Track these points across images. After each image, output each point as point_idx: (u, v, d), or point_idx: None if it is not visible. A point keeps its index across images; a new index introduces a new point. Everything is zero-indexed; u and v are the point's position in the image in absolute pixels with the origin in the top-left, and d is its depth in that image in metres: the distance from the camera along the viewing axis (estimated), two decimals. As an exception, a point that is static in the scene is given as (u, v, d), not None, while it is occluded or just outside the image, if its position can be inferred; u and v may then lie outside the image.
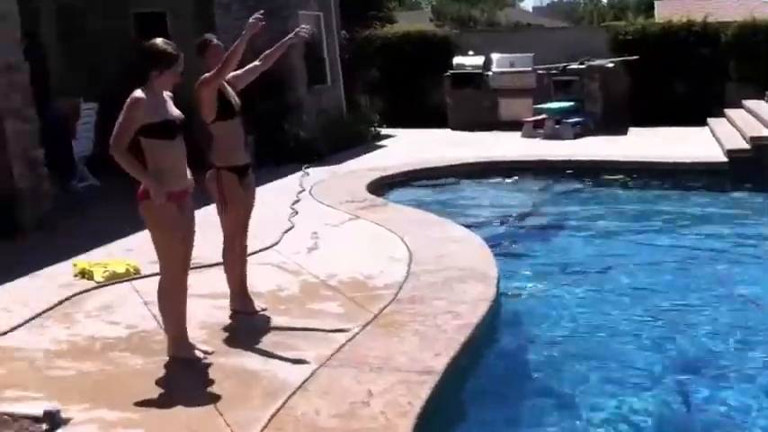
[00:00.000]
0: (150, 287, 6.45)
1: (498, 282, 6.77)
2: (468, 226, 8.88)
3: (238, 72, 6.22)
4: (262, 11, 6.00)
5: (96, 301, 6.68)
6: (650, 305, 6.85)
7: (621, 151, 13.52)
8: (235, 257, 6.26)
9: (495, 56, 18.29)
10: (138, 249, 7.71)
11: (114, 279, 7.10)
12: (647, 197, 11.25)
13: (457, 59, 18.64)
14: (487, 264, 7.29)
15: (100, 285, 7.00)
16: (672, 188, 11.46)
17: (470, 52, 18.84)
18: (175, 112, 5.21)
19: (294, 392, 4.77)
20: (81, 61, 13.10)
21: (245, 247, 6.41)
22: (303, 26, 6.74)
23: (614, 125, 16.17)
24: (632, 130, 16.14)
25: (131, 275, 7.20)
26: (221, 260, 6.33)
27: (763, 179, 11.20)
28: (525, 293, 7.24)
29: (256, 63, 6.44)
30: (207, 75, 5.85)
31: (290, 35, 6.50)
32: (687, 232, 9.30)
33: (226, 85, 6.01)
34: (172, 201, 5.10)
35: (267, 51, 6.41)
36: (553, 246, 9.01)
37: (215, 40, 6.08)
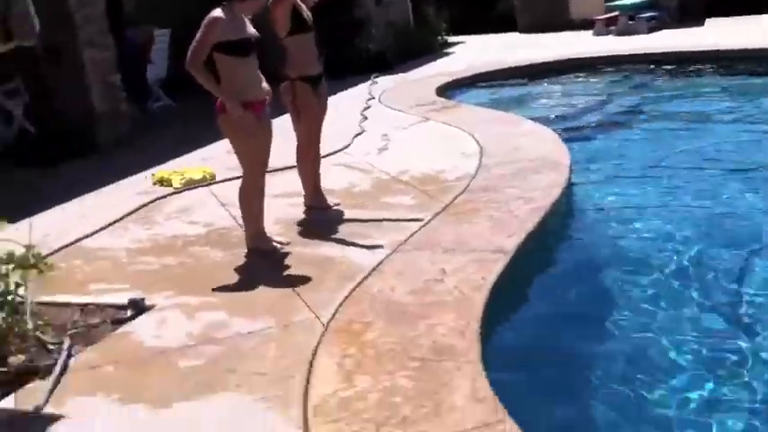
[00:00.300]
0: (227, 191, 6.65)
1: (570, 169, 6.72)
2: (538, 121, 8.76)
3: None
4: None
5: (175, 205, 6.86)
6: (723, 181, 6.76)
7: (698, 41, 13.12)
8: (308, 161, 6.35)
9: (569, -46, 17.76)
10: (214, 158, 7.90)
11: (191, 185, 7.28)
12: (723, 85, 10.90)
13: None
14: (560, 153, 7.22)
15: (178, 191, 7.18)
16: (749, 75, 11.09)
17: None
18: (251, 30, 5.31)
19: (369, 274, 4.86)
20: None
21: (318, 151, 6.49)
22: None
23: (691, 18, 15.67)
24: (709, 22, 15.61)
25: (208, 181, 7.37)
26: (295, 164, 6.43)
27: None
28: (599, 179, 7.15)
29: None
30: None
31: None
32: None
33: (298, 1, 6.04)
34: (248, 110, 5.22)
35: None
36: (626, 135, 8.82)
37: None
